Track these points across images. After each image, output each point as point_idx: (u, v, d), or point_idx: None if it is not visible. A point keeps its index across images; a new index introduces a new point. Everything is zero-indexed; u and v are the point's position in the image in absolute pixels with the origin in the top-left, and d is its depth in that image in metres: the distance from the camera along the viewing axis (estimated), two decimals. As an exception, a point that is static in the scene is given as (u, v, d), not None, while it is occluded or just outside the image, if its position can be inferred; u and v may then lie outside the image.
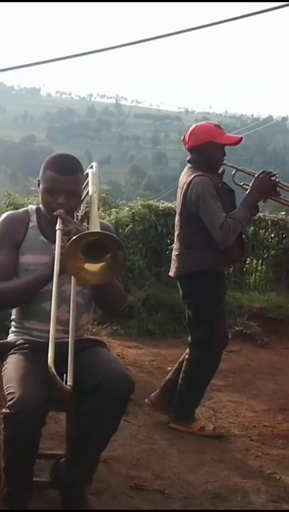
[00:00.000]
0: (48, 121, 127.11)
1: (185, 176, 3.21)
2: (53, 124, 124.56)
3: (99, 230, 1.95)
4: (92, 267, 1.94)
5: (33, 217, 2.29)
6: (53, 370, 1.79)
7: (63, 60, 4.77)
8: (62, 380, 1.85)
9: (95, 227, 1.98)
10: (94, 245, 1.91)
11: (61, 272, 1.98)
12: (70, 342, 2.01)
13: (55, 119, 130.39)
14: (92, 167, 2.31)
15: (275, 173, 3.20)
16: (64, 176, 2.15)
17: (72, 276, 2.07)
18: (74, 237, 1.90)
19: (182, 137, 3.30)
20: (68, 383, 1.87)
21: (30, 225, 2.27)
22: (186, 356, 3.29)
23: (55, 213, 2.11)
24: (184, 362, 3.30)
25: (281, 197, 3.22)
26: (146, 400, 3.39)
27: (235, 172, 3.29)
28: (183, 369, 3.29)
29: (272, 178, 3.16)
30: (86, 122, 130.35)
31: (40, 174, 2.21)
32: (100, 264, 1.94)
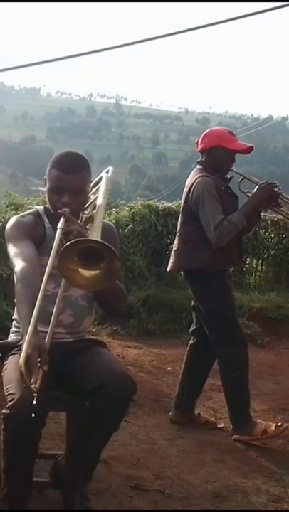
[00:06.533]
0: (48, 121, 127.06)
1: (191, 176, 3.29)
2: (53, 124, 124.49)
3: (98, 240, 1.90)
4: (86, 273, 1.90)
5: (45, 219, 2.26)
6: (23, 369, 1.71)
7: (63, 60, 4.77)
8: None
9: (96, 233, 1.94)
10: (91, 252, 1.87)
11: None
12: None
13: (55, 119, 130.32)
14: (108, 171, 2.28)
15: (278, 184, 3.27)
16: (68, 175, 2.13)
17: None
18: (72, 241, 1.87)
19: (196, 140, 3.37)
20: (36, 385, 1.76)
21: (46, 226, 2.25)
22: (217, 362, 3.30)
23: (59, 211, 2.08)
24: (219, 369, 3.30)
25: (282, 209, 3.34)
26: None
27: (242, 180, 3.38)
28: (221, 376, 3.29)
29: (274, 189, 3.23)
30: (86, 122, 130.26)
31: (46, 173, 2.20)
32: (93, 272, 1.90)
